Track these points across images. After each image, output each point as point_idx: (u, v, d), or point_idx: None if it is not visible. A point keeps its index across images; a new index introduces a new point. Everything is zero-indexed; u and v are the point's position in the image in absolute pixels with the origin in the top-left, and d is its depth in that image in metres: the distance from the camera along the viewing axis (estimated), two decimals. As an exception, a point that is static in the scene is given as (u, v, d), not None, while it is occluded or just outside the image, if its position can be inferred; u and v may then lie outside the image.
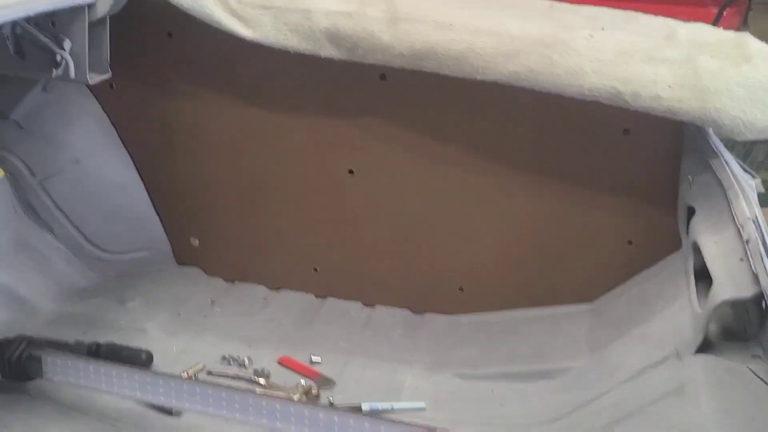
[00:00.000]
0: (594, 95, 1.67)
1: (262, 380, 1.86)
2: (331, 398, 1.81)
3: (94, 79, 1.87)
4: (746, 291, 1.39)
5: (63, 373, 1.66)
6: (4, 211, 2.13)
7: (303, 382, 1.85)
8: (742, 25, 5.31)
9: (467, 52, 1.73)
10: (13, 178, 2.15)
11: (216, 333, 2.06)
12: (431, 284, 2.17)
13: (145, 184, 2.28)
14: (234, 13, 1.86)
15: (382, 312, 2.20)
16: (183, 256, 2.37)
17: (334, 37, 1.82)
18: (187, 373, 1.86)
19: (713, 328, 1.53)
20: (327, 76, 1.98)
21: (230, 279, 2.33)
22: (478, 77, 1.74)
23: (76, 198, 2.21)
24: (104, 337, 1.95)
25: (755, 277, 1.38)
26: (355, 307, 2.22)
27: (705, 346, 1.50)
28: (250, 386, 1.83)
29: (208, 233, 2.32)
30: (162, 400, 1.59)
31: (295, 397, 1.78)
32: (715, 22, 4.61)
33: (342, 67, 1.87)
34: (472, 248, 2.09)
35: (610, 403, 1.60)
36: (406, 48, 1.78)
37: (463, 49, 1.74)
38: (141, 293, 2.20)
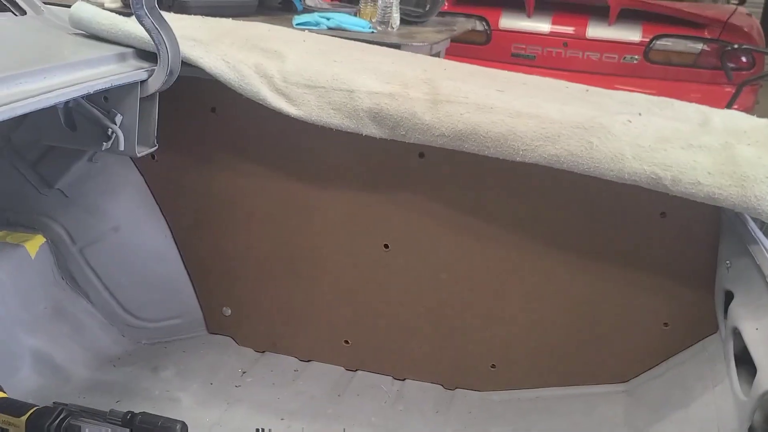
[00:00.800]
0: (634, 180, 1.70)
1: (296, 455, 1.86)
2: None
3: (141, 152, 1.92)
4: None
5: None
6: (44, 277, 2.16)
7: (337, 458, 1.85)
8: (756, 103, 5.41)
9: (508, 135, 1.78)
10: (54, 245, 2.19)
11: (248, 404, 2.06)
12: (463, 360, 2.17)
13: (180, 254, 2.31)
14: (279, 92, 1.92)
15: (412, 387, 2.20)
16: (214, 325, 2.38)
17: (377, 117, 1.87)
18: (222, 447, 1.86)
19: (758, 416, 1.53)
20: (366, 152, 2.03)
21: (261, 350, 2.34)
22: (518, 159, 1.77)
23: (113, 265, 2.24)
24: (138, 407, 1.94)
25: None
26: (385, 381, 2.22)
27: None
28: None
29: (240, 303, 2.33)
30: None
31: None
32: (733, 100, 4.71)
33: (381, 144, 1.92)
34: (506, 326, 2.10)
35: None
36: (448, 129, 1.82)
37: (505, 132, 1.78)
38: (173, 362, 2.20)
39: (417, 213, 2.07)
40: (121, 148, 1.87)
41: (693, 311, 1.93)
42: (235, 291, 2.32)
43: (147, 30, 1.80)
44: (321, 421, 2.01)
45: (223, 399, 2.07)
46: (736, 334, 1.65)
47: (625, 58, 5.18)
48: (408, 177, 2.05)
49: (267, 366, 2.27)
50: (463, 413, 2.07)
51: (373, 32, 3.64)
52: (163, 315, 2.32)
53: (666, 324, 1.97)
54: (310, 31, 3.39)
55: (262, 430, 1.94)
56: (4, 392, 1.80)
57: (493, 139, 1.79)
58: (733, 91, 4.82)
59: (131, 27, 1.90)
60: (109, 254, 2.23)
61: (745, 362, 1.60)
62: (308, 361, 2.30)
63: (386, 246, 2.13)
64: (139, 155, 1.91)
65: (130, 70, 1.81)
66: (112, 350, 2.23)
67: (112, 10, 2.03)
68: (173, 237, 2.30)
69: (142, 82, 1.84)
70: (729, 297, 1.76)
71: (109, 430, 1.67)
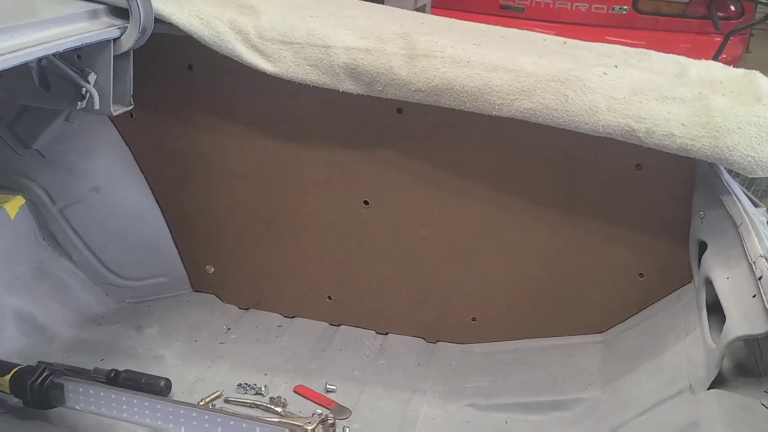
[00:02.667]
0: (608, 132, 1.71)
1: (278, 409, 1.88)
2: (348, 429, 1.83)
3: (117, 110, 1.90)
4: (759, 328, 1.42)
5: (85, 402, 1.69)
6: (25, 238, 2.16)
7: (319, 411, 1.88)
8: (745, 52, 5.38)
9: (484, 89, 1.77)
10: (34, 206, 2.19)
11: (232, 361, 2.08)
12: (444, 314, 2.19)
13: (162, 213, 2.31)
14: (255, 48, 1.91)
15: (395, 340, 2.22)
16: (198, 283, 2.40)
17: (353, 73, 1.86)
18: (205, 401, 1.89)
19: (726, 363, 1.56)
20: (344, 109, 2.02)
21: (245, 307, 2.36)
22: (494, 113, 1.78)
23: (95, 226, 2.24)
24: (122, 365, 1.98)
25: None
26: (368, 336, 2.25)
27: (718, 382, 1.53)
28: (266, 414, 1.86)
29: (223, 261, 2.35)
30: (182, 430, 1.61)
31: (310, 426, 1.80)
32: (720, 50, 4.69)
33: (359, 101, 1.91)
34: (485, 280, 2.12)
35: (624, 436, 1.63)
36: (424, 83, 1.82)
37: (480, 86, 1.78)
38: (158, 320, 2.22)
39: (396, 169, 2.07)
40: (96, 107, 1.85)
41: (668, 262, 1.95)
42: (218, 249, 2.33)
43: (118, -14, 1.78)
44: (303, 375, 2.04)
45: (206, 356, 2.09)
46: (708, 284, 1.67)
47: (613, 8, 5.13)
48: (386, 133, 2.05)
49: (251, 323, 2.29)
50: (444, 366, 2.10)
51: (355, -14, 3.60)
52: (146, 274, 2.33)
53: (641, 275, 2.00)
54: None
55: (245, 384, 1.97)
56: (-12, 352, 1.83)
57: (469, 94, 1.79)
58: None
59: (101, -17, 1.87)
60: (90, 214, 2.23)
61: (716, 311, 1.62)
62: (292, 317, 2.33)
63: (366, 203, 2.13)
64: (114, 114, 1.89)
65: (101, 28, 1.79)
66: (96, 309, 2.25)
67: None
68: (154, 196, 2.30)
69: (115, 39, 1.82)
70: (703, 247, 1.78)
71: (91, 387, 1.68)
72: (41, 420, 1.75)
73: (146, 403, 1.65)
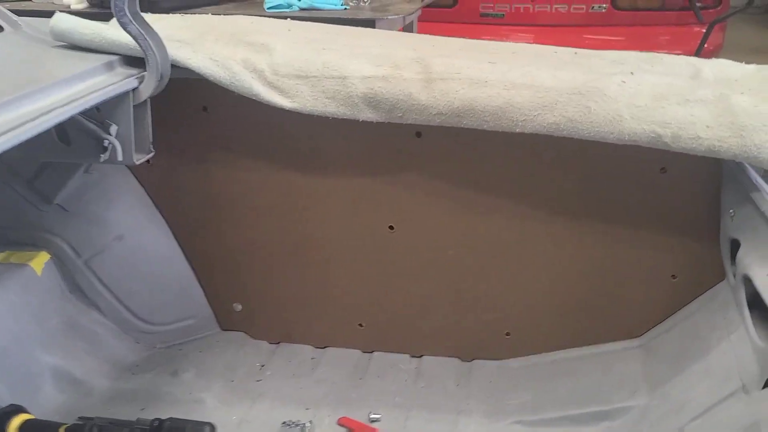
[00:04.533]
0: (634, 140, 1.72)
1: (328, 444, 1.88)
2: (399, 456, 1.83)
3: (139, 159, 1.90)
4: None
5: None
6: (53, 293, 2.15)
7: (368, 442, 1.88)
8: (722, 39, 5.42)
9: (506, 107, 1.78)
10: (59, 260, 2.18)
11: (272, 397, 2.07)
12: (478, 331, 2.20)
13: (185, 255, 2.31)
14: (272, 85, 1.91)
15: (430, 362, 2.22)
16: (226, 322, 2.39)
17: (372, 101, 1.87)
18: (253, 443, 1.88)
19: None
20: (363, 137, 2.03)
21: (275, 341, 2.35)
22: (518, 130, 1.78)
23: (120, 274, 2.23)
24: (163, 412, 1.96)
25: None
26: (403, 360, 2.24)
27: None
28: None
29: (250, 297, 2.34)
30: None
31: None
32: (704, 41, 4.72)
33: (377, 127, 1.92)
34: (517, 294, 2.13)
35: (681, 442, 1.63)
36: (445, 107, 1.82)
37: (502, 104, 1.78)
38: (192, 363, 2.21)
39: (418, 192, 2.08)
40: (120, 158, 1.85)
41: (699, 262, 1.96)
42: (244, 286, 2.33)
43: (133, 37, 1.78)
44: (345, 406, 2.03)
45: (246, 395, 2.09)
46: (747, 282, 1.68)
47: (593, 7, 5.17)
48: (406, 157, 2.05)
49: (284, 357, 2.28)
50: (483, 383, 2.10)
51: (346, 8, 3.61)
52: (174, 317, 2.32)
53: (674, 276, 2.00)
54: (282, 12, 3.37)
55: (290, 422, 1.96)
56: (29, 413, 1.81)
57: (490, 113, 1.79)
58: (703, 30, 4.83)
59: (115, 34, 1.87)
60: (115, 263, 2.22)
61: (758, 308, 1.63)
62: (324, 347, 2.32)
63: (391, 227, 2.14)
64: (137, 163, 1.89)
65: (120, 79, 1.79)
66: (129, 358, 2.24)
67: (78, 12, 2.00)
68: (176, 239, 2.29)
69: (134, 89, 1.83)
70: (735, 245, 1.79)
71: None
72: (94, 478, 1.74)
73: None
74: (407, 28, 4.16)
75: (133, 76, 1.82)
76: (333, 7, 3.60)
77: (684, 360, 1.84)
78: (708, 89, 1.76)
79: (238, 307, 2.36)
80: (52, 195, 2.12)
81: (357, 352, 2.29)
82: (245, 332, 2.38)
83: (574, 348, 2.13)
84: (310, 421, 1.97)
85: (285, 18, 2.38)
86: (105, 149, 1.84)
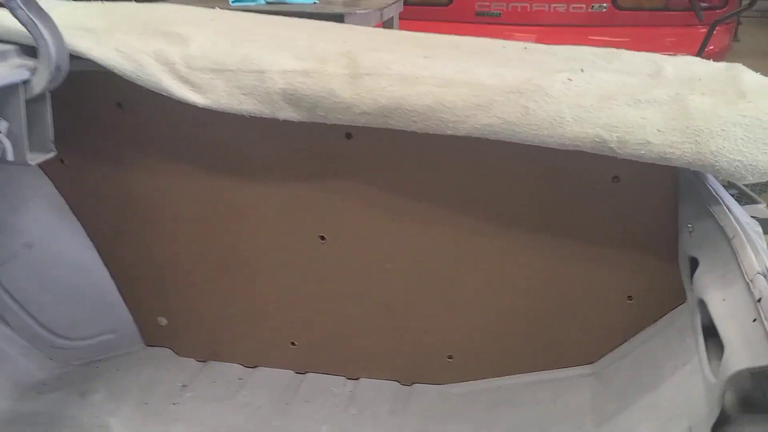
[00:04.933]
0: (576, 145, 1.52)
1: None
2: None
3: (35, 159, 1.72)
4: (764, 359, 1.23)
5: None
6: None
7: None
8: (733, 41, 5.20)
9: (436, 106, 1.59)
10: (-40, 271, 2.00)
11: (187, 424, 1.88)
12: (418, 353, 2.00)
13: (106, 264, 2.12)
14: (184, 80, 1.72)
15: (366, 386, 2.03)
16: (151, 337, 2.20)
17: (292, 99, 1.68)
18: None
19: (730, 398, 1.36)
20: (288, 138, 1.84)
21: (203, 359, 2.16)
22: (449, 132, 1.59)
23: (30, 285, 2.04)
24: (64, 438, 1.79)
25: None
26: (337, 383, 2.05)
27: (722, 421, 1.33)
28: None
29: (175, 311, 2.15)
30: None
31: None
32: (705, 42, 4.51)
33: (303, 128, 1.73)
34: (460, 314, 1.93)
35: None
36: (370, 105, 1.63)
37: (431, 103, 1.59)
38: (105, 383, 2.02)
39: (351, 199, 1.89)
40: (9, 157, 1.66)
41: (658, 282, 1.76)
42: (169, 299, 2.14)
43: (23, 23, 1.60)
44: (266, 433, 1.84)
45: (159, 420, 1.90)
46: (703, 305, 1.48)
47: (593, 6, 4.98)
48: (337, 161, 1.86)
49: (209, 377, 2.09)
50: (420, 412, 1.91)
51: (315, 3, 3.43)
52: (92, 332, 2.13)
53: (630, 297, 1.81)
54: (248, 8, 3.19)
55: (200, 452, 1.78)
56: None
57: (419, 113, 1.60)
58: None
59: (8, 20, 1.69)
60: (24, 273, 2.03)
61: (714, 335, 1.43)
62: (254, 367, 2.13)
63: (322, 238, 1.94)
64: (32, 163, 1.70)
65: (8, 70, 1.61)
66: (38, 376, 2.05)
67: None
68: (96, 247, 2.10)
69: (25, 82, 1.64)
70: (694, 264, 1.59)
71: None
72: None
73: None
74: (387, 25, 3.97)
75: (25, 67, 1.64)
76: (302, 1, 3.42)
77: (635, 392, 1.64)
78: (664, 89, 1.57)
79: (163, 321, 2.17)
80: (-51, 197, 1.94)
81: (289, 373, 2.10)
82: (171, 348, 2.19)
83: (522, 374, 1.93)
84: (222, 453, 1.78)
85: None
86: (-7, 148, 1.66)
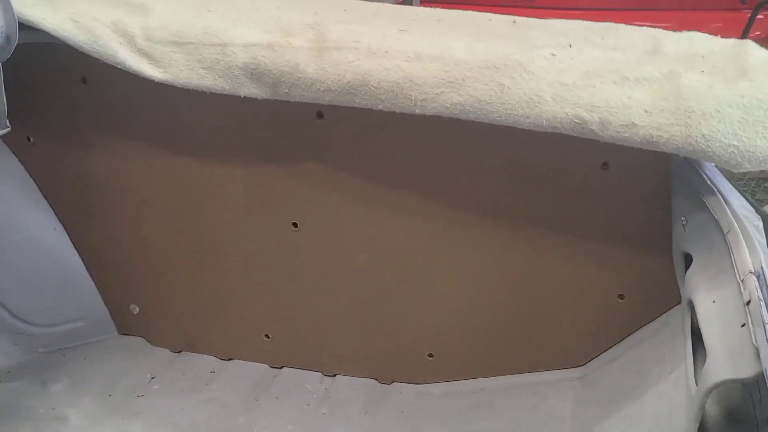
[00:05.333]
0: (554, 126, 1.37)
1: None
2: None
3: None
4: (747, 370, 1.07)
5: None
6: None
7: (234, 480, 1.57)
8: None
9: (403, 83, 1.45)
10: None
11: (148, 418, 1.78)
12: (397, 350, 1.87)
13: (76, 247, 2.03)
14: (142, 53, 1.61)
15: (342, 384, 1.91)
16: (124, 326, 2.11)
17: (254, 74, 1.56)
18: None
19: (713, 410, 1.22)
20: (256, 117, 1.72)
21: (177, 349, 2.06)
22: (417, 111, 1.45)
23: (-5, 268, 1.96)
24: (18, 429, 1.70)
25: (757, 351, 1.06)
26: (312, 379, 1.93)
27: None
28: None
29: (148, 299, 2.05)
30: None
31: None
32: (748, 27, 4.27)
33: (272, 106, 1.61)
34: (440, 309, 1.80)
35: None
36: (334, 81, 1.50)
37: (399, 79, 1.45)
38: (69, 372, 1.94)
39: (323, 184, 1.76)
40: None
41: (651, 280, 1.61)
42: (141, 286, 2.04)
43: (-35, -11, 1.50)
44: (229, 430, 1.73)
45: (119, 413, 1.80)
46: (693, 308, 1.33)
47: (636, -11, 4.76)
48: (308, 142, 1.73)
49: (180, 369, 1.99)
50: (394, 413, 1.78)
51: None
52: (61, 318, 2.04)
53: (621, 296, 1.65)
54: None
55: (154, 449, 1.68)
56: None
57: (386, 90, 1.47)
58: (759, 16, 4.37)
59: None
60: (-11, 255, 1.95)
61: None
62: (229, 359, 2.02)
63: (295, 225, 1.82)
64: None
65: None
66: (1, 363, 1.97)
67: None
68: (65, 230, 2.01)
69: (-31, 53, 1.55)
70: (688, 260, 1.44)
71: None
72: None
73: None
74: (407, 2, 3.82)
75: None
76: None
77: (619, 400, 1.49)
78: (657, 66, 1.41)
79: (135, 309, 2.07)
80: None
81: (264, 367, 1.99)
82: (145, 338, 2.09)
83: (506, 376, 1.79)
84: (178, 450, 1.67)
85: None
86: (-60, 123, 1.58)
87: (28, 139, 1.91)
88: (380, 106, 1.49)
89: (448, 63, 1.45)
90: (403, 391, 1.86)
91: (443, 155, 1.66)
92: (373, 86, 1.47)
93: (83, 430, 1.74)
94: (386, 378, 1.90)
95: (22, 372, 1.95)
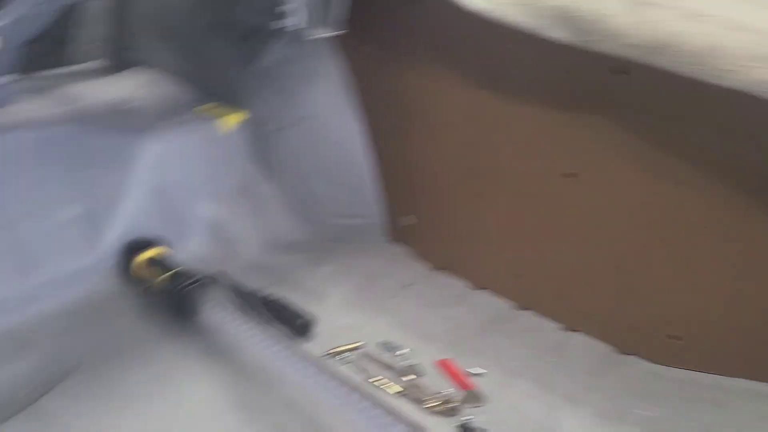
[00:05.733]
0: None
1: (407, 378, 1.71)
2: (472, 418, 1.60)
3: (322, 33, 1.85)
4: None
5: (212, 318, 1.68)
6: (236, 155, 2.23)
7: (451, 390, 1.68)
8: None
9: (711, 51, 1.40)
10: (250, 125, 2.24)
11: (393, 317, 1.94)
12: (643, 324, 1.83)
13: (371, 154, 2.23)
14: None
15: (579, 341, 1.91)
16: (394, 233, 2.29)
17: (561, 17, 1.59)
18: (336, 350, 1.78)
19: None
20: (558, 63, 1.75)
21: (437, 267, 2.20)
22: (714, 81, 1.39)
23: (303, 153, 2.24)
24: (288, 294, 1.94)
25: None
26: (551, 328, 1.96)
27: None
28: (393, 380, 1.70)
29: (423, 215, 2.21)
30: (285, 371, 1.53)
31: (429, 404, 1.61)
32: None
33: (576, 54, 1.63)
34: (695, 292, 1.72)
35: None
36: (643, 37, 1.49)
37: (707, 46, 1.40)
38: (339, 259, 2.16)
39: (610, 140, 1.74)
40: (302, 25, 1.81)
41: None
42: (419, 201, 2.21)
43: None
44: (457, 351, 1.82)
45: (371, 306, 1.98)
46: None
47: None
48: (606, 97, 1.72)
49: (434, 285, 2.13)
50: (618, 381, 1.74)
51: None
52: (345, 212, 2.28)
53: None
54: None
55: (389, 344, 1.83)
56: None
57: (690, 54, 1.43)
58: None
59: None
60: (301, 141, 2.22)
61: None
62: (480, 289, 2.12)
63: (568, 174, 1.84)
64: (320, 36, 1.85)
65: None
66: (288, 237, 2.25)
67: None
68: (365, 135, 2.22)
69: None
70: None
71: (220, 309, 1.67)
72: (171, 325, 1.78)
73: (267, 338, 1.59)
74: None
75: None
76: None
77: None
78: None
79: (408, 220, 2.24)
80: (249, 63, 2.16)
81: (506, 304, 2.05)
82: (411, 248, 2.26)
83: (750, 380, 1.68)
84: (411, 350, 1.81)
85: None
86: (287, 15, 1.82)
87: (356, 49, 2.12)
88: (679, 70, 1.45)
89: (764, 36, 1.36)
90: (637, 365, 1.82)
91: (738, 131, 1.56)
92: (677, 49, 1.44)
93: (336, 310, 1.94)
94: (625, 348, 1.87)
95: (301, 248, 2.22)
